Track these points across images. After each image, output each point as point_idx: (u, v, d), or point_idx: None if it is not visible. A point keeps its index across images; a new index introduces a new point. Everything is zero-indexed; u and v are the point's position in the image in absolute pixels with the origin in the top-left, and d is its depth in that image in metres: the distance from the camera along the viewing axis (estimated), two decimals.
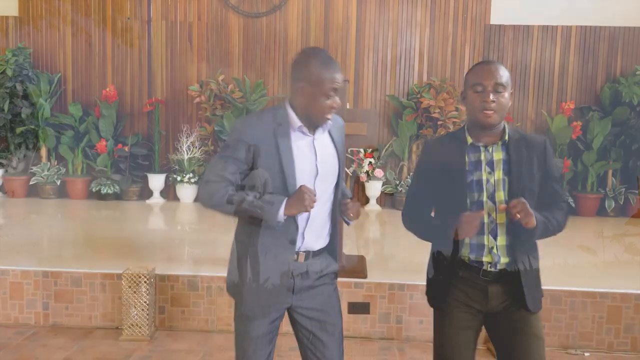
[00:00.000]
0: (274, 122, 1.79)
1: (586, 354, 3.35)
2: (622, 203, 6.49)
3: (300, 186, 1.72)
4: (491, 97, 1.78)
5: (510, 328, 1.87)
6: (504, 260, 1.83)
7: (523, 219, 1.72)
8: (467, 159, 1.86)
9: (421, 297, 3.49)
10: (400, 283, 3.49)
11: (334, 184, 1.89)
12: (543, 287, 3.32)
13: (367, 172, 6.62)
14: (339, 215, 1.93)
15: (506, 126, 1.89)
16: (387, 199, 6.79)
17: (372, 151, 6.65)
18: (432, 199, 1.96)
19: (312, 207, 1.70)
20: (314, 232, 1.84)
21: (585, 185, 6.63)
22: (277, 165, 1.76)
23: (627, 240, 5.34)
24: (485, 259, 1.83)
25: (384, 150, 6.75)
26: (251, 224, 1.79)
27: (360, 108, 6.63)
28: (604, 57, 6.77)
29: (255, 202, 1.72)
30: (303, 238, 1.82)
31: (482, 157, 1.85)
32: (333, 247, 1.94)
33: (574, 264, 4.09)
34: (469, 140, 1.87)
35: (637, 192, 6.50)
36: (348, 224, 1.98)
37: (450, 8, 6.74)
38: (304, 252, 1.83)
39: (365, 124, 3.59)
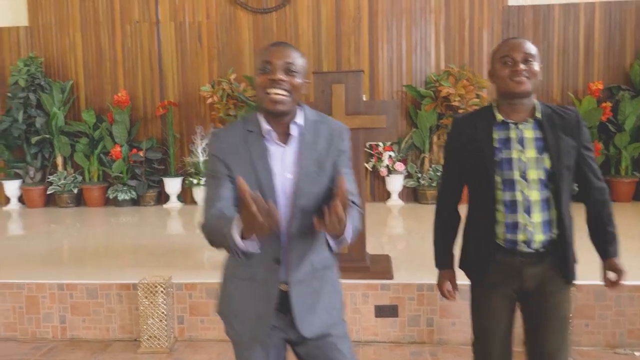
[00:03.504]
0: (243, 130, 1.59)
1: (637, 354, 3.11)
2: None
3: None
4: (521, 66, 1.80)
5: (539, 309, 1.89)
6: (538, 237, 1.82)
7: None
8: (494, 136, 1.86)
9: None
10: (430, 283, 3.30)
11: (313, 200, 1.56)
12: (586, 282, 3.11)
13: (387, 166, 6.43)
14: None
15: (537, 103, 1.88)
16: (409, 193, 6.58)
17: (391, 144, 6.45)
18: (462, 180, 1.97)
19: (274, 226, 1.31)
20: (296, 254, 1.57)
21: (619, 169, 6.33)
22: (252, 177, 1.52)
23: None
24: (520, 237, 1.83)
25: (404, 143, 6.54)
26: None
27: (377, 100, 6.42)
28: (632, 33, 6.46)
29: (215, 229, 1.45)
30: (287, 261, 1.56)
31: (513, 135, 1.84)
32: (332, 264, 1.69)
33: None
34: (499, 117, 1.87)
35: None
36: (331, 249, 1.57)
37: None
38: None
39: (384, 116, 3.41)
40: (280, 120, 1.57)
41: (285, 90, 1.52)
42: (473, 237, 1.94)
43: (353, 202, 1.57)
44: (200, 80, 6.73)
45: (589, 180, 1.88)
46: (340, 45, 6.62)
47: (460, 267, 2.03)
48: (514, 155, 1.83)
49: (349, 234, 1.48)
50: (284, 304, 1.57)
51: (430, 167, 6.49)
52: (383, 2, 6.55)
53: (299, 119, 1.59)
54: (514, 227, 1.83)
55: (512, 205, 1.83)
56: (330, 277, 1.66)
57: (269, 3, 6.59)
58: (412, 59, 6.62)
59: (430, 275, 3.40)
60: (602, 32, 6.47)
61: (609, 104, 6.19)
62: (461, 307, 3.20)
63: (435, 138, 6.57)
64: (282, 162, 1.56)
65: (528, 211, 1.82)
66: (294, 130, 1.58)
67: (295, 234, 1.55)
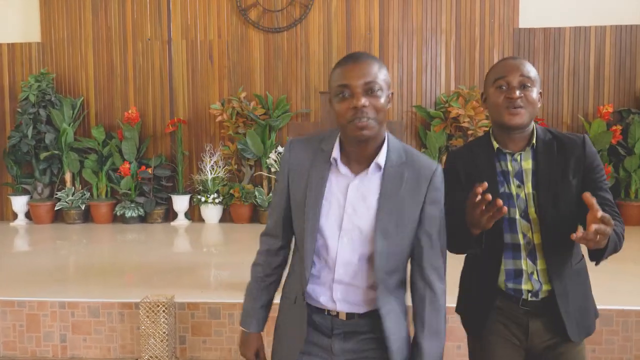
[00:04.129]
0: (318, 147, 1.42)
1: None
2: None
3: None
4: (517, 93, 1.53)
5: None
6: (545, 287, 1.58)
7: (600, 241, 1.34)
8: (498, 167, 1.61)
9: (456, 319, 3.22)
10: None
11: (391, 261, 1.39)
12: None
13: None
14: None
15: (535, 127, 1.62)
16: None
17: None
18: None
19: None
20: (342, 295, 1.44)
21: (629, 193, 6.24)
22: (302, 201, 1.41)
23: None
24: (524, 286, 1.58)
25: None
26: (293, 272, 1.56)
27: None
28: None
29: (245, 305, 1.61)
30: (332, 296, 1.45)
31: (509, 167, 1.60)
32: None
33: (624, 280, 3.75)
34: (495, 145, 1.62)
35: None
36: None
37: (476, 13, 6.50)
38: (346, 312, 1.45)
39: None
40: (364, 145, 1.37)
41: (370, 117, 1.31)
42: (474, 283, 1.70)
43: (428, 277, 1.43)
44: (210, 98, 6.76)
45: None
46: None
47: (458, 311, 1.80)
48: (513, 190, 1.58)
49: None
50: (334, 329, 1.47)
51: None
52: (394, 21, 6.57)
53: (382, 157, 1.37)
54: (517, 275, 1.59)
55: (513, 250, 1.58)
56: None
57: (281, 22, 6.64)
58: (422, 79, 6.61)
59: None
60: (613, 56, 6.44)
61: (619, 127, 6.12)
62: (464, 332, 3.13)
63: (444, 159, 6.52)
64: (340, 190, 1.39)
65: (532, 256, 1.58)
66: (373, 171, 1.38)
67: (339, 277, 1.43)
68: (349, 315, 1.44)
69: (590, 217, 1.33)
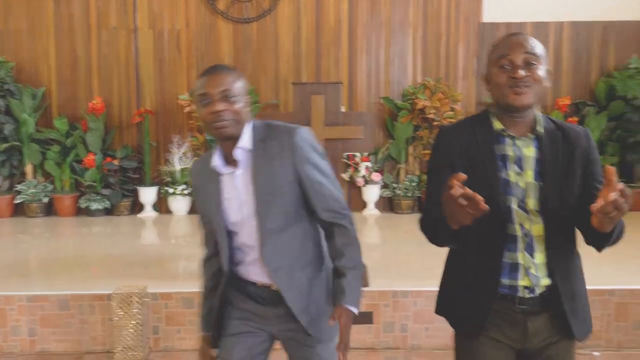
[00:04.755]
0: (211, 160, 1.61)
1: (595, 354, 3.22)
2: None
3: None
4: (521, 72, 1.41)
5: None
6: (544, 282, 1.47)
7: (614, 218, 1.23)
8: (496, 150, 1.48)
9: (425, 303, 3.34)
10: (404, 290, 3.35)
11: (281, 220, 1.58)
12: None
13: (364, 177, 6.47)
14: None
15: (538, 115, 1.51)
16: (385, 202, 6.64)
17: (367, 155, 6.49)
18: None
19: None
20: (247, 266, 1.68)
21: None
22: (207, 211, 1.67)
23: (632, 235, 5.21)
24: (521, 282, 1.46)
25: (380, 154, 6.61)
26: None
27: (355, 111, 6.48)
28: (597, 51, 6.71)
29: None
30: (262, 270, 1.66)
31: (510, 152, 1.47)
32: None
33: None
34: (498, 125, 1.49)
35: (635, 185, 6.39)
36: None
37: (442, 7, 6.63)
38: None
39: (361, 127, 3.45)
40: (228, 142, 1.56)
41: (228, 119, 1.51)
42: (466, 281, 1.54)
43: (339, 224, 1.62)
44: (178, 89, 6.68)
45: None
46: (320, 57, 6.67)
47: (441, 312, 1.67)
48: (512, 178, 1.46)
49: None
50: (270, 299, 1.66)
51: (406, 177, 6.57)
52: (363, 14, 6.63)
53: (243, 141, 1.56)
54: (512, 269, 1.47)
55: (509, 241, 1.46)
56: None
57: (250, 13, 6.61)
58: (390, 71, 6.71)
59: (403, 282, 3.45)
60: (570, 50, 6.70)
61: (575, 119, 6.37)
62: (433, 314, 3.25)
63: (411, 149, 6.66)
64: (233, 187, 1.59)
65: (530, 249, 1.47)
66: (238, 155, 1.56)
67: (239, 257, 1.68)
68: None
69: (607, 191, 1.21)
